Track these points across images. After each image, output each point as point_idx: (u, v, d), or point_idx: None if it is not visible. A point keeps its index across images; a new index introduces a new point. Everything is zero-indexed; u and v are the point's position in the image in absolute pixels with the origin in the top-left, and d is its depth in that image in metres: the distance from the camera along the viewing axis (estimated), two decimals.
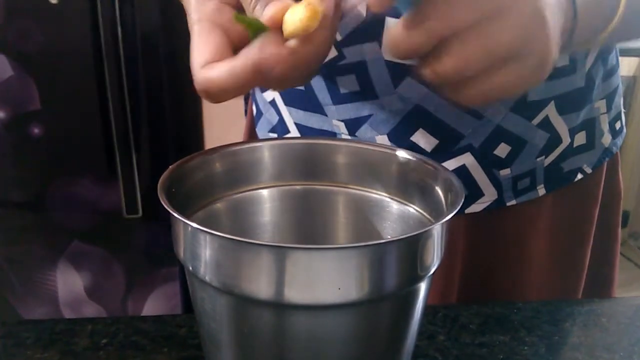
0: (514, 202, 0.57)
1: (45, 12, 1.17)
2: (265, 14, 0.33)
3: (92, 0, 1.16)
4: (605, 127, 0.61)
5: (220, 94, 0.34)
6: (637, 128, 2.25)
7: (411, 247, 0.32)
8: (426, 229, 0.32)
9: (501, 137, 0.54)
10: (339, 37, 0.51)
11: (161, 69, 1.24)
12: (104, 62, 1.19)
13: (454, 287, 0.60)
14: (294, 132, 0.59)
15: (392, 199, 0.42)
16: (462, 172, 0.54)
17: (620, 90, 0.64)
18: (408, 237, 0.32)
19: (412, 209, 0.41)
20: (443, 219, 0.33)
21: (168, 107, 1.30)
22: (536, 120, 0.54)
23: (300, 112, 0.58)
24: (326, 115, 0.56)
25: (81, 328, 0.50)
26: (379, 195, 0.43)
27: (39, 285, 1.40)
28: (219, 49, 0.35)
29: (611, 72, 0.60)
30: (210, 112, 1.37)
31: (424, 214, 0.40)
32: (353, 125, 0.55)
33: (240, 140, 0.68)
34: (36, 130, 1.26)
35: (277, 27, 0.33)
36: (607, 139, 0.61)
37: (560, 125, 0.56)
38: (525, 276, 0.61)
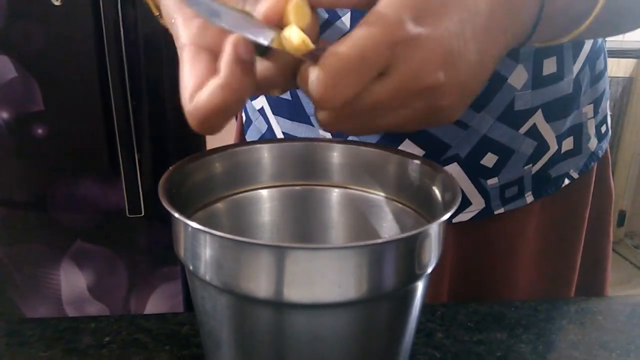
0: (502, 210, 0.57)
1: (48, 13, 1.17)
2: (258, 10, 0.31)
3: (94, 2, 1.16)
4: (592, 131, 0.60)
5: (213, 117, 0.31)
6: (633, 128, 2.26)
7: (409, 247, 0.32)
8: (423, 228, 0.32)
9: (488, 146, 0.54)
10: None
11: (163, 70, 1.24)
12: (107, 63, 1.19)
13: (443, 296, 0.60)
14: None
15: (390, 198, 0.43)
16: None
17: (607, 93, 0.63)
18: (406, 236, 0.32)
19: (410, 209, 0.41)
20: (440, 218, 0.33)
21: (170, 107, 1.30)
22: (523, 129, 0.54)
23: (288, 122, 0.57)
24: (313, 126, 0.56)
25: (84, 326, 0.50)
26: (377, 195, 0.43)
27: (42, 284, 1.40)
28: (205, 75, 0.33)
29: (599, 76, 0.60)
30: None
31: (421, 213, 0.41)
32: (340, 136, 0.55)
33: None
34: (39, 131, 1.27)
35: (272, 23, 0.31)
36: (593, 143, 0.61)
37: (548, 133, 0.56)
38: (515, 283, 0.60)
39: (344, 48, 0.30)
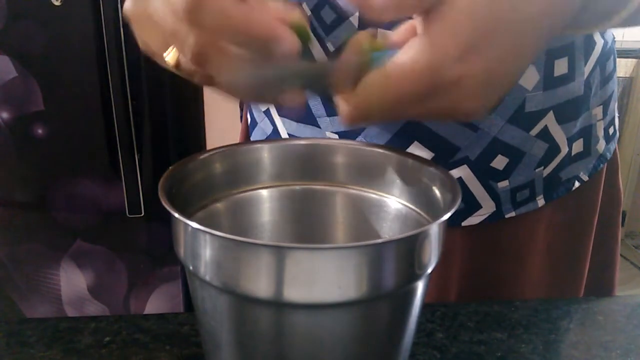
0: (512, 214, 0.57)
1: (48, 13, 1.17)
2: None
3: (94, 2, 1.16)
4: (601, 133, 0.60)
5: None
6: (633, 129, 2.26)
7: (409, 247, 0.32)
8: (423, 228, 0.32)
9: (498, 149, 0.53)
10: (331, 49, 0.51)
11: (163, 70, 1.24)
12: (107, 63, 1.19)
13: (451, 298, 0.60)
14: None
15: (390, 199, 0.43)
16: None
17: (616, 95, 0.63)
18: (406, 236, 0.32)
19: (410, 209, 0.41)
20: (440, 218, 0.33)
21: (170, 108, 1.30)
22: (535, 131, 0.53)
23: (294, 124, 0.57)
24: (319, 127, 0.56)
25: (84, 326, 0.50)
26: (377, 196, 0.43)
27: (42, 284, 1.40)
28: None
29: (608, 77, 0.59)
30: (211, 113, 1.37)
31: (422, 213, 0.41)
32: (347, 138, 0.55)
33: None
34: (39, 131, 1.27)
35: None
36: (601, 145, 0.60)
37: (559, 135, 0.55)
38: (524, 285, 0.60)
39: (384, 86, 0.31)
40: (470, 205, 0.55)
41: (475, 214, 0.56)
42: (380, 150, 0.43)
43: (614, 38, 0.61)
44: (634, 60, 2.16)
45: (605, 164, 0.62)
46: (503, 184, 0.55)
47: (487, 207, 0.56)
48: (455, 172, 0.54)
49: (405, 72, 0.31)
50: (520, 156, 0.54)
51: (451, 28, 0.30)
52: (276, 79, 0.33)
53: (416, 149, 0.53)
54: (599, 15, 0.38)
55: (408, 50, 0.31)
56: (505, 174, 0.55)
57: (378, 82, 0.31)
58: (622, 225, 2.35)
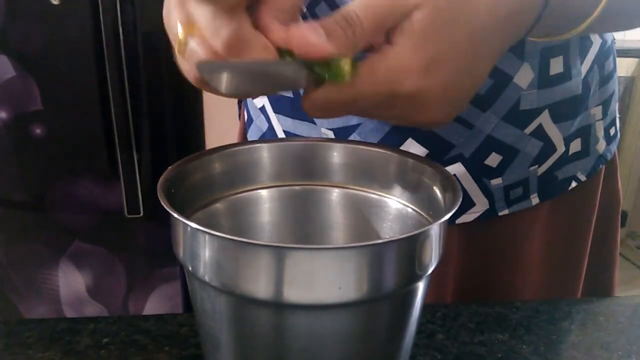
0: (506, 211, 0.57)
1: (46, 12, 1.17)
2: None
3: (93, 1, 1.16)
4: (601, 133, 0.60)
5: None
6: (635, 128, 2.25)
7: (410, 247, 0.32)
8: (424, 228, 0.32)
9: (492, 146, 0.53)
10: None
11: (162, 70, 1.24)
12: (105, 62, 1.19)
13: (447, 297, 0.60)
14: None
15: (390, 198, 0.42)
16: None
17: (617, 95, 0.62)
18: (407, 236, 0.32)
19: (411, 209, 0.41)
20: (441, 218, 0.33)
21: (169, 107, 1.30)
22: (529, 129, 0.53)
23: (289, 120, 0.57)
24: (315, 124, 0.56)
25: (83, 327, 0.50)
26: (378, 196, 0.43)
27: (40, 284, 1.40)
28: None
29: (608, 77, 0.59)
30: (211, 112, 1.37)
31: (422, 213, 0.41)
32: (342, 134, 0.55)
33: None
34: (38, 131, 1.26)
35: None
36: (601, 146, 0.60)
37: (555, 134, 0.55)
38: (520, 286, 0.60)
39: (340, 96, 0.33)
40: (464, 202, 0.56)
41: (469, 211, 0.56)
42: (381, 150, 0.43)
43: (614, 38, 0.60)
44: (636, 59, 2.15)
45: (604, 165, 0.61)
46: (496, 182, 0.55)
47: (481, 204, 0.56)
48: (449, 169, 0.54)
49: (364, 77, 0.33)
50: (514, 154, 0.54)
51: (414, 45, 0.32)
52: (251, 73, 0.33)
53: (410, 146, 0.53)
54: (561, 25, 0.40)
55: (370, 57, 0.33)
56: (498, 171, 0.55)
57: (338, 95, 0.33)
58: (624, 225, 2.34)
